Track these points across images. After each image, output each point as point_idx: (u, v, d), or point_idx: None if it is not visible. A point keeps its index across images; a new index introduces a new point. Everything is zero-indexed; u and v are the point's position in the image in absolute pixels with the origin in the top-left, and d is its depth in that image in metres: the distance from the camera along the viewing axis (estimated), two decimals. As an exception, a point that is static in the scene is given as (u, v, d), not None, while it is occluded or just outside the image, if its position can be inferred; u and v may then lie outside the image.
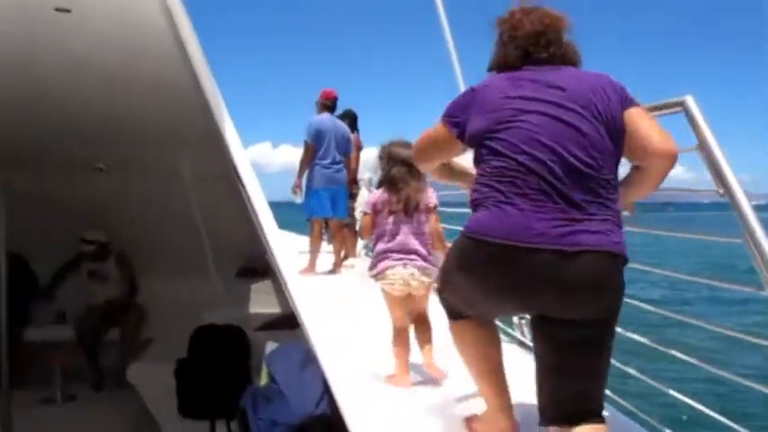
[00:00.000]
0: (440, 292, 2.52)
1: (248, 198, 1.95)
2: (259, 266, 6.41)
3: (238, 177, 2.02)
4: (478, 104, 2.24)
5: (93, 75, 3.18)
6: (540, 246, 1.99)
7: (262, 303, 4.87)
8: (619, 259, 2.07)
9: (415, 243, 3.19)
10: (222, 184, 5.87)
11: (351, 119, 8.51)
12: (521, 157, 2.08)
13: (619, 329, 2.43)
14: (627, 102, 2.16)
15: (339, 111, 7.94)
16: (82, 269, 6.28)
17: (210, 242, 5.29)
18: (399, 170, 3.22)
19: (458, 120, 2.30)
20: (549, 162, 2.04)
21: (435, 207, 3.35)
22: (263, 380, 2.26)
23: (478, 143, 2.22)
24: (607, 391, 2.44)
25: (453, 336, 2.47)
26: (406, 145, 3.24)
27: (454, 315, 2.43)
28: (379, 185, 3.44)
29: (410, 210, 3.21)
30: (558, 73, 2.22)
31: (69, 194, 5.76)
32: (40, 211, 5.20)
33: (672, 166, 2.13)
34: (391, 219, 3.22)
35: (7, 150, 4.27)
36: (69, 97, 3.51)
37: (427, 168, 2.73)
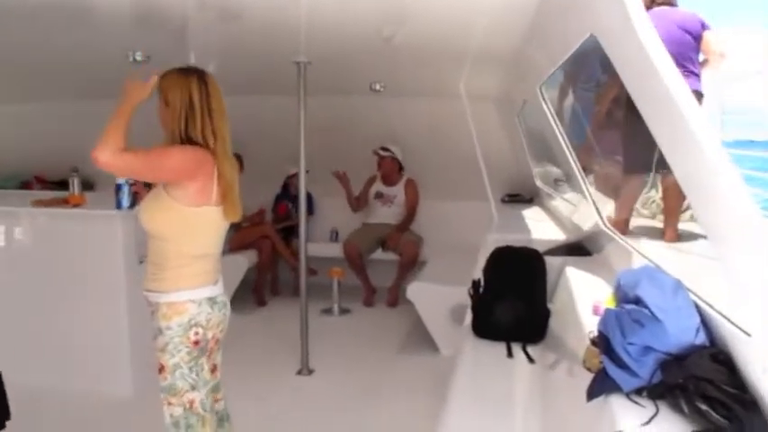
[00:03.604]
0: None
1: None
2: (524, 194, 6.28)
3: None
4: None
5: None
6: None
7: (540, 229, 4.71)
8: None
9: None
10: (493, 107, 5.79)
11: None
12: None
13: None
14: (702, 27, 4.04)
15: None
16: (372, 189, 6.54)
17: (485, 166, 5.21)
18: None
19: None
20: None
21: None
22: (612, 303, 2.09)
23: None
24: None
25: None
26: None
27: None
28: None
29: None
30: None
31: (347, 116, 5.97)
32: (320, 133, 5.40)
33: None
34: None
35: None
36: (351, 21, 3.51)
37: None
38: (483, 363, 3.16)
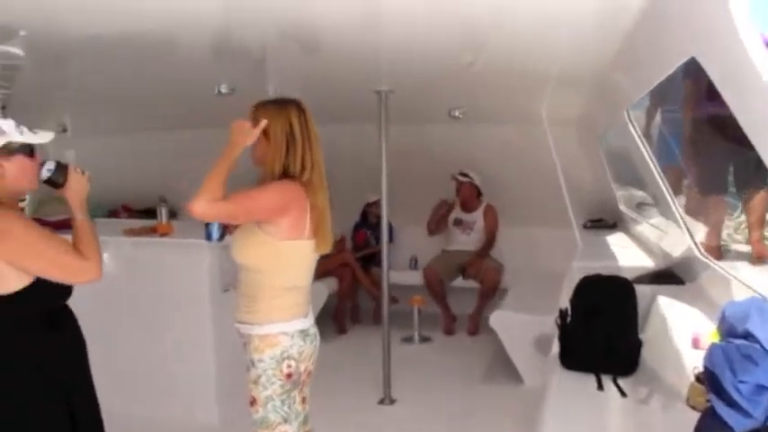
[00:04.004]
0: None
1: None
2: (607, 218, 6.09)
3: None
4: None
5: (461, 24, 3.10)
6: None
7: (627, 256, 4.55)
8: None
9: None
10: (573, 131, 5.67)
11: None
12: None
13: None
14: None
15: None
16: (451, 215, 6.48)
17: (568, 190, 5.10)
18: None
19: None
20: None
21: None
22: (716, 337, 1.98)
23: None
24: None
25: None
26: None
27: None
28: None
29: None
30: None
31: (425, 143, 5.96)
32: (398, 160, 5.42)
33: None
34: None
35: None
36: (433, 48, 3.50)
37: None
38: (572, 395, 3.04)
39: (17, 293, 2.09)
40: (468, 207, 6.39)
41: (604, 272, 3.73)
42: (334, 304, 6.19)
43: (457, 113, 5.21)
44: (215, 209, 2.17)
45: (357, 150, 5.36)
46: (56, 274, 2.16)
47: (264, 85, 4.21)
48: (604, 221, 6.10)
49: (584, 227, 5.99)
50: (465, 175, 6.24)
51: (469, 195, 6.32)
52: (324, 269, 5.98)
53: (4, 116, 2.19)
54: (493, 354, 5.24)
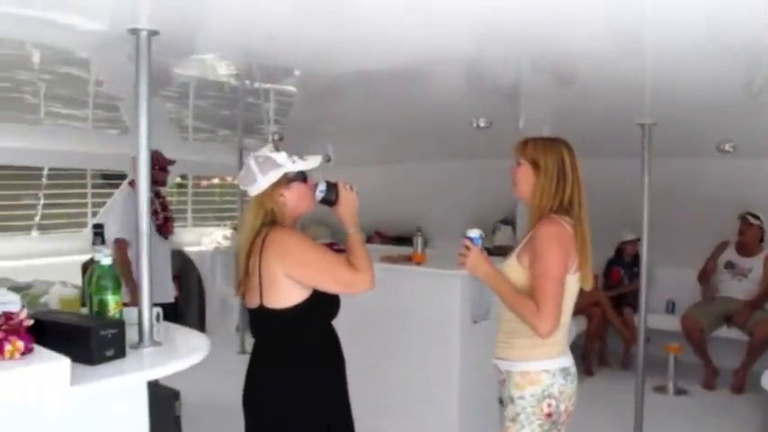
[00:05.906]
0: None
1: None
2: None
3: None
4: None
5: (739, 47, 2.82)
6: None
7: None
8: None
9: None
10: None
11: None
12: None
13: None
14: None
15: None
16: (721, 257, 5.98)
17: None
18: None
19: None
20: None
21: None
22: None
23: None
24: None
25: None
26: None
27: None
28: None
29: None
30: None
31: (688, 178, 5.57)
32: (658, 196, 5.12)
33: None
34: None
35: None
36: (702, 80, 3.24)
37: None
38: None
39: (296, 307, 2.29)
40: (746, 251, 5.81)
41: None
42: (582, 344, 5.95)
43: (727, 147, 4.82)
44: (549, 316, 2.19)
45: (613, 185, 5.15)
46: (332, 286, 2.33)
47: (518, 118, 4.24)
48: None
49: None
50: (756, 217, 5.70)
51: (753, 239, 5.76)
52: (574, 307, 5.82)
53: (278, 149, 2.41)
54: (762, 417, 4.70)
